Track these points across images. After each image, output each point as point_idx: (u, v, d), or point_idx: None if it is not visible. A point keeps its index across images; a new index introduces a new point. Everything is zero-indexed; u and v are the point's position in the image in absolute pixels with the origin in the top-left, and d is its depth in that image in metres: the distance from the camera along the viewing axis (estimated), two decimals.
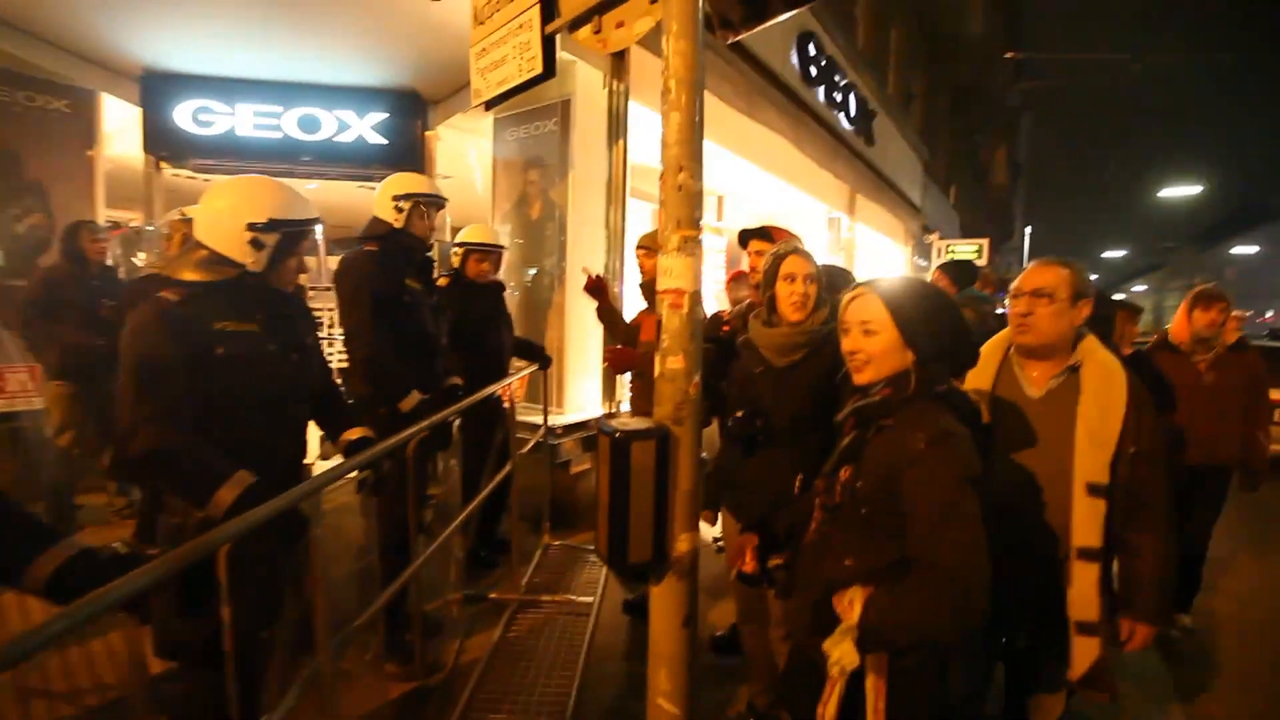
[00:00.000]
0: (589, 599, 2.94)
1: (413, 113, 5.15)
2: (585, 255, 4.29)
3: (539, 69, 1.98)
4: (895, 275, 1.37)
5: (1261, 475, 2.93)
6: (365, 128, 5.06)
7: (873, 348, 1.20)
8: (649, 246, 2.91)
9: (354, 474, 1.78)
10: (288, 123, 4.92)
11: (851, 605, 1.11)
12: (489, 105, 2.29)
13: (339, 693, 1.98)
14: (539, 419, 3.57)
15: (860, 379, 1.23)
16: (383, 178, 2.55)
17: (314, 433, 2.03)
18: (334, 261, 2.54)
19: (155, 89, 4.71)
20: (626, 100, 3.98)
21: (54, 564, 1.09)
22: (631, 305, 3.50)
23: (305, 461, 1.86)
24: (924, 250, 13.11)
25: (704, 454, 1.50)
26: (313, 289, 4.95)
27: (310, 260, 1.85)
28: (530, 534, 3.58)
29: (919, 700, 1.14)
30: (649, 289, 2.97)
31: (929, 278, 3.87)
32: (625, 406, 4.18)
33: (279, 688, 1.55)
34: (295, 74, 4.79)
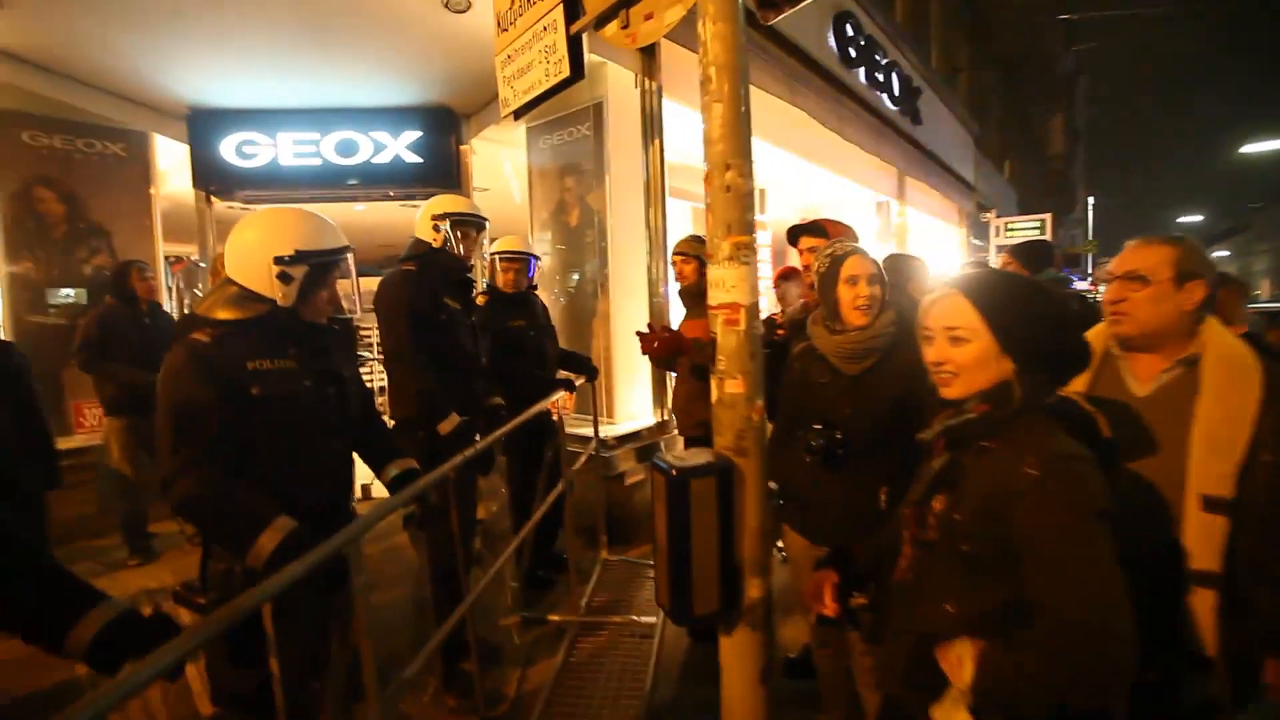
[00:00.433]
0: (652, 619, 2.83)
1: (446, 128, 5.13)
2: (627, 259, 4.20)
3: (566, 71, 1.88)
4: (980, 268, 1.19)
5: None
6: (401, 147, 5.07)
7: (962, 358, 1.03)
8: (686, 252, 2.83)
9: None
10: (326, 148, 4.98)
11: (961, 663, 0.94)
12: (518, 114, 2.20)
13: None
14: (589, 431, 3.48)
15: (949, 393, 1.06)
16: (422, 196, 2.52)
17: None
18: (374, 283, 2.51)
19: (201, 126, 4.85)
20: (660, 99, 3.91)
21: (94, 628, 1.06)
22: (675, 312, 3.36)
23: (354, 493, 1.82)
24: (980, 230, 12.48)
25: (771, 484, 1.34)
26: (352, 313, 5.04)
27: (344, 284, 1.79)
28: (587, 549, 3.50)
29: None
30: (689, 295, 2.87)
31: (995, 263, 3.59)
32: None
33: None
34: (329, 99, 4.85)
